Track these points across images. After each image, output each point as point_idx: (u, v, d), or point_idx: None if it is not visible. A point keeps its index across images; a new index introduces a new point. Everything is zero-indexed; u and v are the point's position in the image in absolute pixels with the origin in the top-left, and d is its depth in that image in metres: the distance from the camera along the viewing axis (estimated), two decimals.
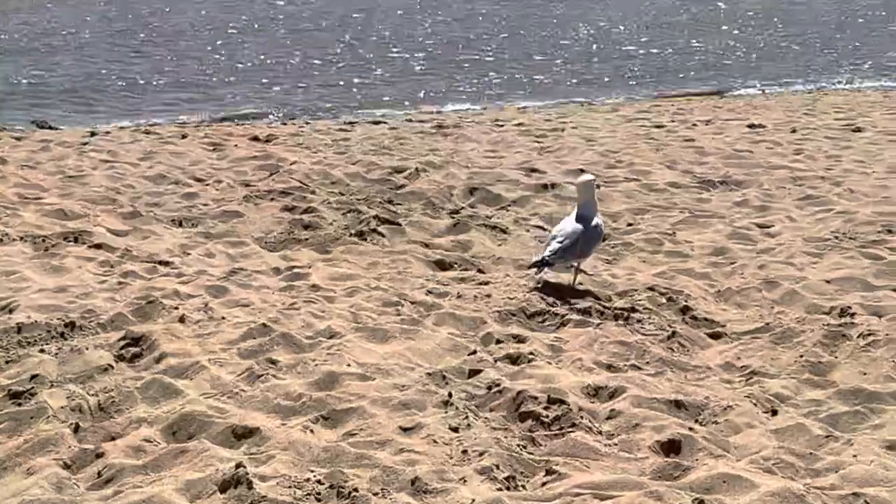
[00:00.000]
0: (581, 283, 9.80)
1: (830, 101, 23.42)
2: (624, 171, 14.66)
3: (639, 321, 8.95)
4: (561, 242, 9.45)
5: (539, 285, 9.66)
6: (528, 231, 11.79)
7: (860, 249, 11.00)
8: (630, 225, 12.07)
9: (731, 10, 44.36)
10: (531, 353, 8.14)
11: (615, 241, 11.42)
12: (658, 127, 19.02)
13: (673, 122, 19.79)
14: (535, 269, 9.64)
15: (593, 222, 9.64)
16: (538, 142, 17.30)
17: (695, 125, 19.22)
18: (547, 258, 9.40)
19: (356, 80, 27.18)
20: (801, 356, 8.18)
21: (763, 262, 10.64)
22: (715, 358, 8.35)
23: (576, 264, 9.72)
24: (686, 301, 9.41)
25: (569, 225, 9.62)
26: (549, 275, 9.75)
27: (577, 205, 9.82)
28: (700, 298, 9.58)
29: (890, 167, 15.07)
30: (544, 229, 11.80)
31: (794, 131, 18.15)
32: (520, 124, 19.53)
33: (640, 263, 10.68)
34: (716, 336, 8.82)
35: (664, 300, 9.44)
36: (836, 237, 11.48)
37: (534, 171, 14.51)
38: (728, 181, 14.18)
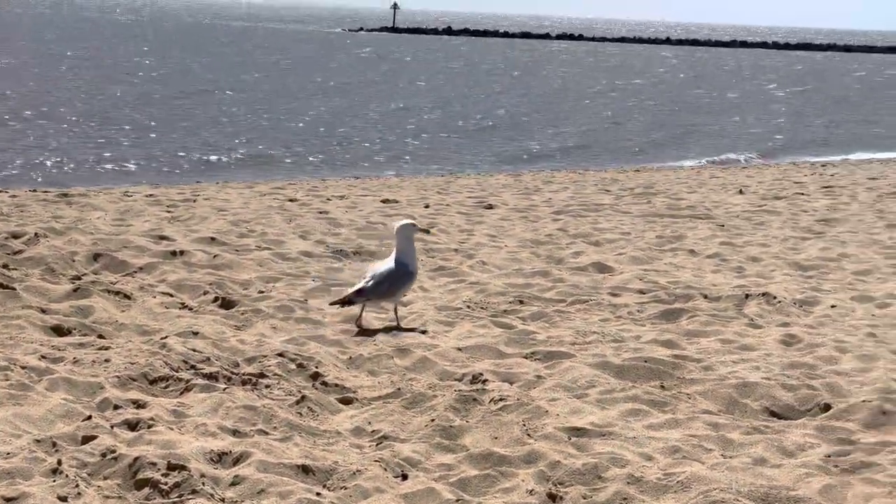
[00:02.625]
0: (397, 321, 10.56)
1: (463, 183, 23.83)
2: (256, 240, 14.31)
3: (267, 386, 8.58)
4: (367, 283, 10.30)
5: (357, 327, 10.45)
6: (154, 297, 11.23)
7: (492, 319, 10.98)
8: (261, 292, 11.69)
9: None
10: (151, 419, 7.63)
11: (245, 307, 11.02)
12: (291, 200, 18.83)
13: (307, 196, 19.64)
14: (338, 306, 10.53)
15: (404, 265, 10.44)
16: (168, 211, 16.78)
17: (329, 199, 19.11)
18: (350, 297, 10.31)
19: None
20: (433, 420, 7.97)
21: (394, 329, 10.46)
22: (345, 423, 8.05)
23: (390, 305, 10.63)
24: (317, 367, 9.09)
25: (382, 267, 10.47)
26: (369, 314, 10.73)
27: (395, 248, 10.58)
28: (331, 365, 9.28)
29: (521, 241, 15.28)
30: (171, 295, 11.30)
31: (427, 207, 18.27)
32: (150, 195, 18.97)
33: (270, 330, 10.31)
34: (346, 401, 8.53)
35: (294, 366, 9.09)
36: (469, 306, 11.44)
37: (163, 238, 13.96)
38: (361, 252, 14.02)
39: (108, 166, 27.29)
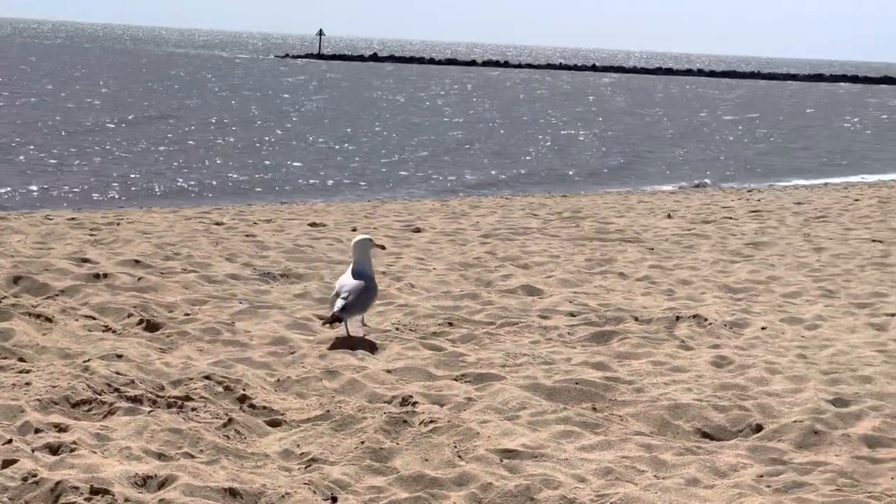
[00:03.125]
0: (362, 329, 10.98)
1: (390, 208, 23.73)
2: (182, 263, 14.10)
3: (193, 409, 8.40)
4: (346, 298, 10.49)
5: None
6: (76, 320, 11.00)
7: (421, 341, 10.87)
8: (187, 315, 11.49)
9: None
10: (74, 443, 7.43)
11: (171, 329, 10.82)
12: (218, 224, 18.64)
13: (234, 220, 19.46)
14: (328, 325, 10.68)
15: (369, 278, 10.75)
16: (91, 234, 16.52)
17: (256, 223, 18.95)
18: (337, 313, 10.46)
19: None
20: (363, 442, 7.84)
21: (323, 352, 10.32)
22: (273, 445, 7.90)
23: (359, 317, 10.88)
24: (244, 390, 8.93)
25: (349, 281, 10.65)
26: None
27: (353, 261, 10.84)
28: (259, 387, 9.12)
29: (449, 264, 15.19)
30: (94, 318, 11.08)
31: (354, 230, 18.16)
32: (72, 219, 18.70)
33: (196, 352, 10.12)
34: (275, 424, 8.37)
35: (221, 389, 8.91)
36: (398, 328, 11.32)
37: (85, 261, 13.72)
38: (289, 274, 13.87)
39: (32, 189, 26.97)
